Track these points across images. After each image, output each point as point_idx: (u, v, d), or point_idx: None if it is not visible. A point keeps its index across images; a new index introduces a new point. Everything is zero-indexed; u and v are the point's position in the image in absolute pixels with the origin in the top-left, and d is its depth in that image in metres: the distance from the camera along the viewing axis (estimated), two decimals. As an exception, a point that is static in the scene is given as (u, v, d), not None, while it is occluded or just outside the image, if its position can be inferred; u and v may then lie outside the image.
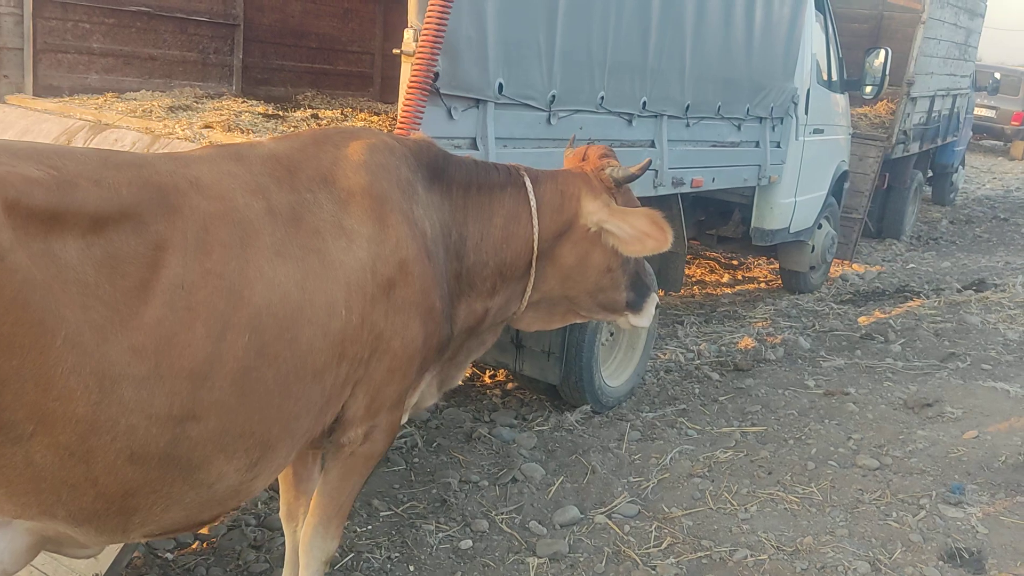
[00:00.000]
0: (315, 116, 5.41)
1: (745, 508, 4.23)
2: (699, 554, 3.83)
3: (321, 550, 3.02)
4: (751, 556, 3.78)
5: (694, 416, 5.56)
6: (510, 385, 6.15)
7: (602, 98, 4.95)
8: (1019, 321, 7.91)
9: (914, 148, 12.01)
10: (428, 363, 2.99)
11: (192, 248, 2.22)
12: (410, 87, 3.60)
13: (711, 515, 4.20)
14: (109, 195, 2.12)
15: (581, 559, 3.88)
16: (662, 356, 6.84)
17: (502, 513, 4.34)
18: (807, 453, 4.85)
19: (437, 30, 3.56)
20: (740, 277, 10.17)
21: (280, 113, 5.22)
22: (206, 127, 4.45)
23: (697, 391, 6.10)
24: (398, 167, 2.87)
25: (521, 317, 3.54)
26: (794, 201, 8.04)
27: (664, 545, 3.93)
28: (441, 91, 3.84)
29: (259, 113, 5.05)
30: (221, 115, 4.87)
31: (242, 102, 5.48)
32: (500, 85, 4.16)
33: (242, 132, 4.38)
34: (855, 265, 10.84)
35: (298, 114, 5.38)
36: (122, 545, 2.98)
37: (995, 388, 6.03)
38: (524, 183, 3.31)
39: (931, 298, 8.60)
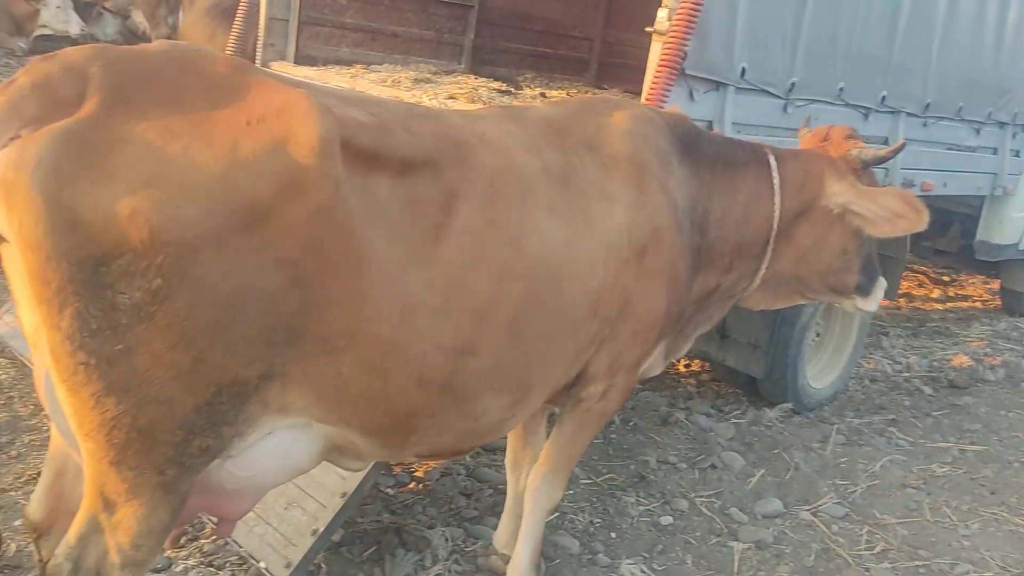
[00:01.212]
0: (543, 95, 5.60)
1: (966, 524, 4.03)
2: (916, 563, 3.69)
3: (548, 498, 3.17)
4: (974, 572, 3.61)
5: (905, 427, 5.32)
6: (705, 376, 6.11)
7: (841, 89, 4.82)
8: None
9: None
10: (666, 331, 3.06)
11: (479, 198, 2.40)
12: (660, 66, 3.68)
13: (928, 527, 4.03)
14: (416, 143, 2.33)
15: (787, 551, 3.84)
16: (866, 365, 6.56)
17: (701, 496, 4.36)
18: (1036, 478, 4.54)
19: (693, 10, 3.61)
20: (952, 294, 9.54)
21: (512, 90, 5.45)
22: (450, 98, 4.72)
23: (907, 403, 5.82)
24: (657, 138, 2.96)
25: (750, 295, 3.54)
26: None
27: (877, 549, 3.82)
28: (686, 71, 3.88)
29: (493, 89, 5.29)
30: (460, 88, 5.14)
31: (475, 79, 5.75)
32: (743, 69, 4.15)
33: (485, 104, 4.61)
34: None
35: (526, 91, 5.59)
36: (370, 466, 3.25)
37: None
38: (768, 161, 3.31)
39: None
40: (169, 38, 16.71)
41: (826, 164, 3.35)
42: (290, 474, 2.46)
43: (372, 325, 2.17)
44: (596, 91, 6.98)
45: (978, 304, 9.25)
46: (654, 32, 3.76)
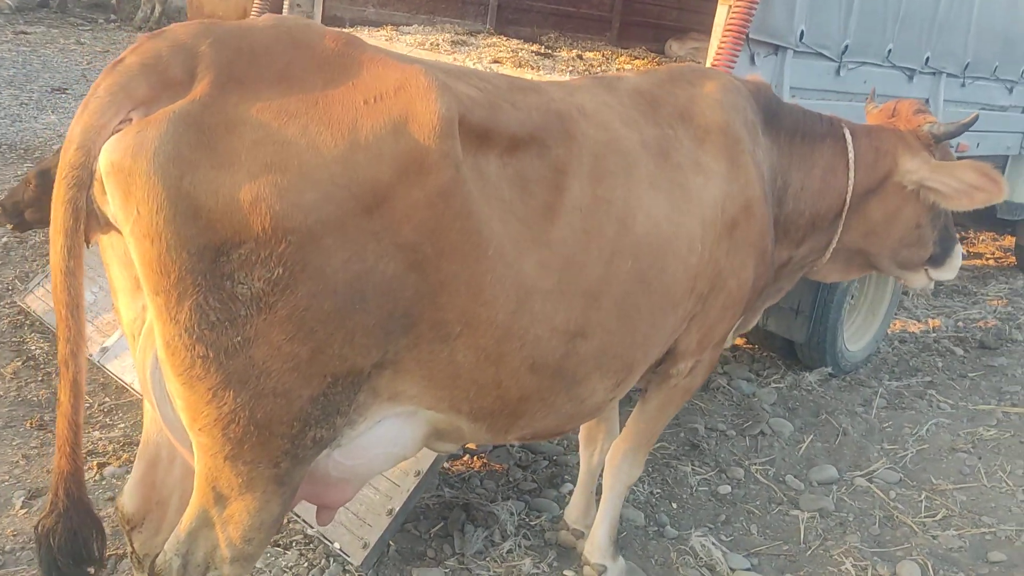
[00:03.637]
0: (579, 56, 5.48)
1: (1023, 489, 4.05)
2: (981, 529, 3.71)
3: (628, 475, 3.15)
4: (1042, 539, 3.64)
5: (943, 390, 5.34)
6: (739, 340, 6.10)
7: (889, 51, 4.74)
8: None
9: None
10: (751, 304, 3.02)
11: (586, 174, 2.33)
12: (727, 30, 3.58)
13: (986, 492, 4.05)
14: (523, 118, 2.24)
15: (850, 519, 3.86)
16: (893, 327, 6.57)
17: (755, 464, 4.36)
18: (1085, 440, 4.58)
19: (762, -28, 3.50)
20: (965, 251, 9.55)
21: (550, 53, 5.32)
22: (495, 62, 4.59)
23: (940, 365, 5.83)
24: (745, 108, 2.89)
25: (820, 268, 3.50)
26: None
27: (939, 516, 3.84)
28: (750, 35, 3.78)
29: (532, 51, 5.16)
30: (499, 51, 5.01)
31: (511, 41, 5.62)
32: (802, 32, 4.06)
33: (532, 68, 4.50)
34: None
35: (563, 53, 5.46)
36: (434, 458, 3.22)
37: None
38: (844, 136, 3.25)
39: None
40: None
41: (899, 140, 3.30)
42: (394, 461, 2.42)
43: (488, 310, 2.11)
44: (618, 50, 6.84)
45: (991, 262, 9.27)
46: (720, -5, 3.65)
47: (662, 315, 2.54)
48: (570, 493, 4.08)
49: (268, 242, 1.78)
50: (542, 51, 5.24)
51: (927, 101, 5.33)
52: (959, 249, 3.61)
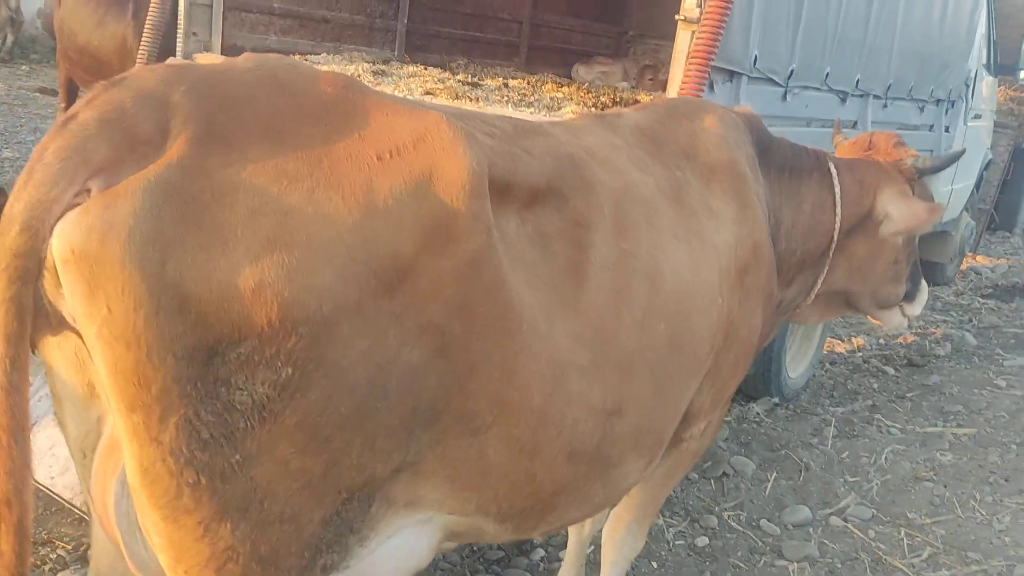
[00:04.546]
0: (505, 84, 5.20)
1: (998, 519, 3.99)
2: (972, 567, 3.59)
3: (632, 548, 2.85)
4: (1035, 572, 3.55)
5: (888, 413, 5.30)
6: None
7: (827, 75, 4.67)
8: None
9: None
10: (756, 354, 2.77)
11: (609, 226, 2.01)
12: (694, 56, 3.36)
13: (963, 524, 3.96)
14: (539, 166, 1.91)
15: (839, 565, 3.67)
16: (820, 347, 6.58)
17: (726, 510, 4.13)
18: (1040, 460, 4.59)
19: (727, -3, 3.31)
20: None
21: (477, 81, 5.01)
22: (427, 93, 4.24)
23: (876, 386, 5.83)
24: (745, 143, 2.66)
25: (803, 311, 3.31)
26: (951, 189, 7.68)
27: (926, 556, 3.70)
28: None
29: (460, 81, 4.83)
30: (425, 81, 4.66)
31: (432, 69, 5.28)
32: (755, 58, 3.90)
33: (471, 100, 4.16)
34: (979, 257, 10.44)
35: (489, 82, 5.16)
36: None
37: None
38: (830, 170, 3.08)
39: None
40: (13, 21, 15.04)
41: (882, 175, 3.15)
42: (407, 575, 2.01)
43: (522, 394, 1.76)
44: (527, 75, 6.60)
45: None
46: (682, 20, 3.43)
47: (690, 380, 2.25)
48: (542, 560, 3.73)
49: (274, 337, 1.39)
50: (471, 80, 4.92)
51: (855, 123, 5.32)
52: (925, 286, 3.52)
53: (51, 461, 3.43)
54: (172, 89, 1.46)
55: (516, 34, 7.51)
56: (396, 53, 6.28)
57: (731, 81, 3.88)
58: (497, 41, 7.37)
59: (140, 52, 5.05)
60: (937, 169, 3.19)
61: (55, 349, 1.58)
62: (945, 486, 4.32)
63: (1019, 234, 12.35)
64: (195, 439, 1.40)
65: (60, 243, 1.36)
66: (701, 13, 3.35)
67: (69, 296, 1.38)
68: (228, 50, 5.09)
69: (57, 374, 1.62)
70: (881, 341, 6.88)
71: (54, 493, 3.34)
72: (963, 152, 3.24)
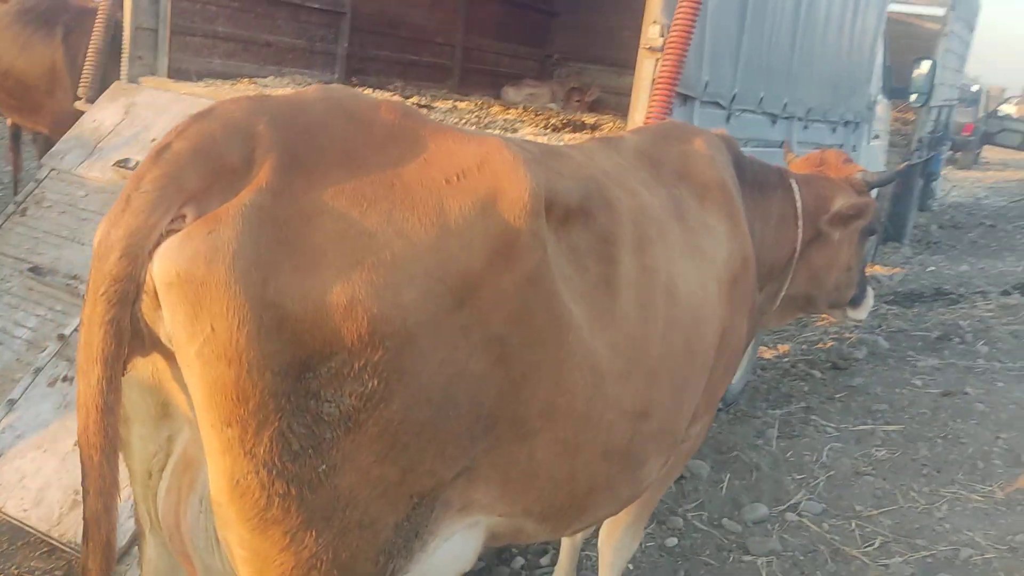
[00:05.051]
0: (455, 107, 5.33)
1: (937, 507, 4.33)
2: (921, 554, 3.89)
3: (629, 549, 2.99)
4: (976, 555, 3.87)
5: (822, 414, 5.65)
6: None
7: (761, 99, 4.99)
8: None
9: (924, 156, 12.41)
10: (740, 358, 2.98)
11: (631, 243, 2.17)
12: (659, 83, 3.57)
13: (907, 514, 4.27)
14: (571, 186, 2.05)
15: (801, 558, 3.91)
16: (749, 355, 6.93)
17: (689, 510, 4.34)
18: (965, 452, 4.98)
19: (689, 26, 3.53)
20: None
21: (429, 104, 5.12)
22: (390, 117, 4.31)
23: (807, 389, 6.19)
24: (728, 162, 2.86)
25: (768, 316, 3.55)
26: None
27: (878, 544, 3.99)
28: (670, 87, 3.81)
29: (415, 104, 4.93)
30: (382, 105, 4.73)
31: (381, 91, 5.36)
32: (706, 83, 4.16)
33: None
34: (877, 267, 11.13)
35: (439, 104, 5.28)
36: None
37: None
38: (791, 185, 3.33)
39: (978, 301, 8.89)
40: None
41: (836, 189, 3.43)
42: (453, 583, 2.09)
43: (568, 398, 1.90)
44: (461, 97, 6.75)
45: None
46: (645, 49, 3.64)
47: (700, 384, 2.44)
48: (523, 568, 3.84)
49: (363, 351, 1.48)
50: (422, 103, 5.02)
51: (781, 144, 5.67)
52: (871, 292, 3.81)
53: (22, 494, 3.35)
54: (256, 119, 1.54)
55: (449, 57, 7.65)
56: (336, 76, 6.32)
57: (685, 105, 4.11)
58: (432, 64, 7.49)
59: (84, 75, 4.97)
60: (883, 183, 3.48)
61: (131, 370, 1.62)
62: (884, 479, 4.65)
63: (908, 244, 13.20)
64: (287, 451, 1.47)
65: (162, 267, 1.42)
66: (664, 42, 3.57)
67: (170, 317, 1.44)
68: (174, 73, 5.05)
69: (129, 395, 1.65)
70: (804, 347, 7.28)
71: (28, 526, 3.25)
72: (907, 169, 3.55)
